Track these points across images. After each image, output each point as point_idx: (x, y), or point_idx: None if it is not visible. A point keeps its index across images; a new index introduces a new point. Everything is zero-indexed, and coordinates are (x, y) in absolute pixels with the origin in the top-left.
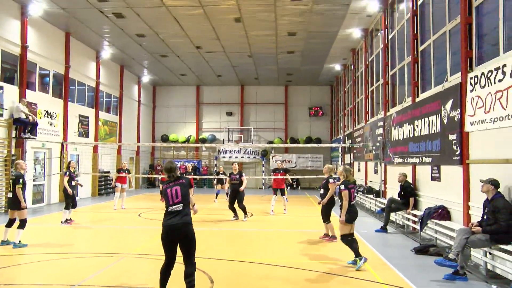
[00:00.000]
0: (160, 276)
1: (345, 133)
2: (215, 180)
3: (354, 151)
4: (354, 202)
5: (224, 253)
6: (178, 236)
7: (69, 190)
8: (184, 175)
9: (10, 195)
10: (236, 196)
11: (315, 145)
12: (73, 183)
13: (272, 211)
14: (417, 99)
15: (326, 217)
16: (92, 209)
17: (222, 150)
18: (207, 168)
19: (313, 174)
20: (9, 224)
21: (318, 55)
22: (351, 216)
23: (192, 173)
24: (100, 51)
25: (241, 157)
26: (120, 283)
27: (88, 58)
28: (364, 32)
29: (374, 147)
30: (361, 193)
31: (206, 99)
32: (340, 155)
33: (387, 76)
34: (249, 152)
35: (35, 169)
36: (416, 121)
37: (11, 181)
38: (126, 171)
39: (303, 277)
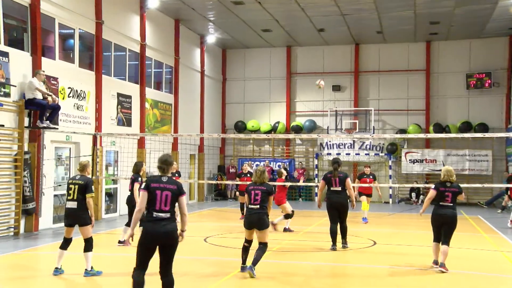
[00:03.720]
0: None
1: None
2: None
3: None
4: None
5: None
6: (162, 242)
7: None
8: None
9: (72, 204)
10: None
11: (479, 135)
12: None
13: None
14: None
15: None
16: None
17: (327, 143)
18: (304, 171)
19: (474, 181)
20: (64, 245)
21: None
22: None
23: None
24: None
25: (355, 154)
26: None
27: (128, 10)
28: None
29: None
30: None
31: (302, 67)
32: None
33: None
34: (368, 146)
35: (57, 173)
36: None
37: (75, 186)
38: (177, 174)
39: None
